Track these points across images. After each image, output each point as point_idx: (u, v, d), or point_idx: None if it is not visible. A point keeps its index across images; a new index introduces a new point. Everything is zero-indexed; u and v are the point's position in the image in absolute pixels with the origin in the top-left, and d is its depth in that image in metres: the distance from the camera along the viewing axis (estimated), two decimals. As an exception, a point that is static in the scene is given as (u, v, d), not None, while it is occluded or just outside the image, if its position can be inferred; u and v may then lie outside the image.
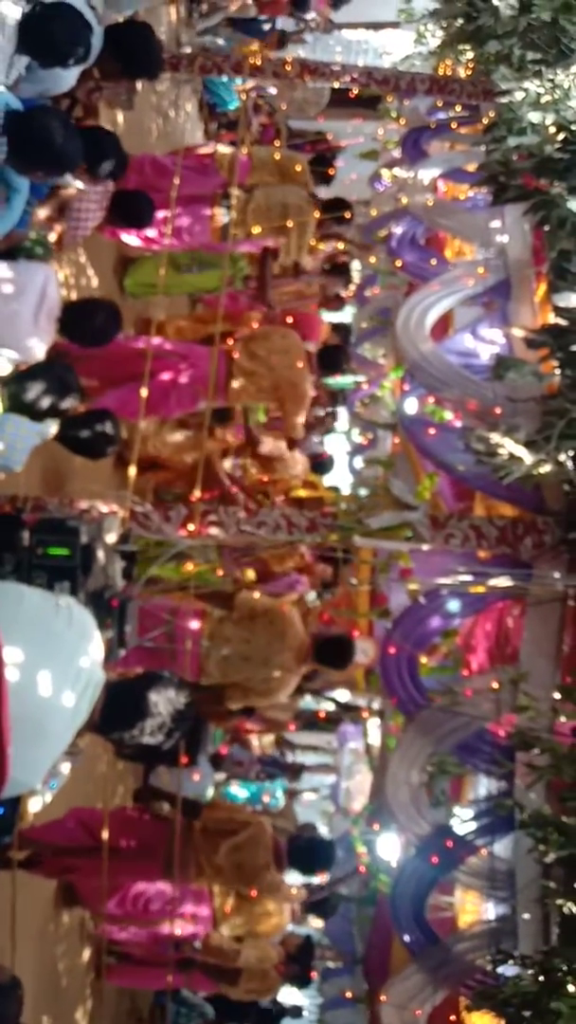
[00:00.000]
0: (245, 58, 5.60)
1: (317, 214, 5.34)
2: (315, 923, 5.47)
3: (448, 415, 4.01)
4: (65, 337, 3.45)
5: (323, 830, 9.14)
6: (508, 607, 3.61)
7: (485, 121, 4.67)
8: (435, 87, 5.21)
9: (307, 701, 7.53)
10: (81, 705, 1.95)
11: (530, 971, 2.63)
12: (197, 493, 3.62)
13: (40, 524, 2.97)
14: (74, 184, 3.51)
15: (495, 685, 3.22)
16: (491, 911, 3.27)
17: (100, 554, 3.02)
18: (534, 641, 3.28)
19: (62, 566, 2.87)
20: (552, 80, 3.78)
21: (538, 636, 3.28)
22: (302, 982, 5.15)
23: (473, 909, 3.65)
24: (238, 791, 8.09)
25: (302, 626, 4.32)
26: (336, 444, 8.25)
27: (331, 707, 7.51)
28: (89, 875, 4.08)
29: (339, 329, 7.15)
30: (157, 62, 3.80)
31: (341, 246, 5.77)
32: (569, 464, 3.10)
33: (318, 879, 5.09)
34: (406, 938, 3.25)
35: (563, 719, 3.03)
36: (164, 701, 1.97)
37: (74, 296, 4.70)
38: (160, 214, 4.61)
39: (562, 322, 3.35)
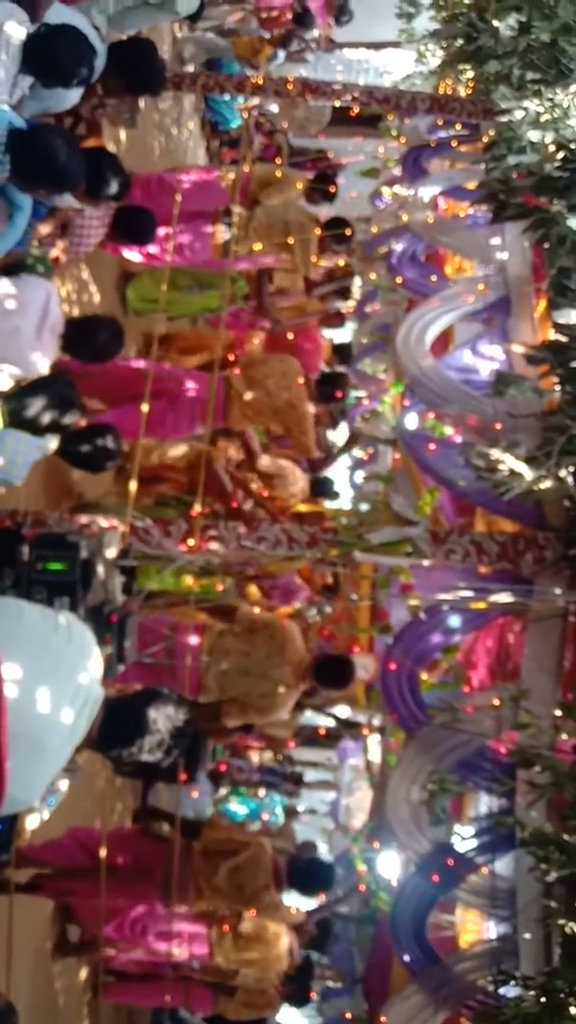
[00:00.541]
0: (247, 77, 5.66)
1: (318, 231, 5.38)
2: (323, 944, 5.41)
3: (448, 430, 4.02)
4: (68, 354, 3.46)
5: (323, 847, 9.08)
6: (509, 623, 3.59)
7: (485, 140, 4.70)
8: (435, 106, 5.26)
9: (307, 717, 7.50)
10: (80, 722, 1.94)
11: (532, 992, 2.60)
12: (198, 508, 3.62)
13: (40, 539, 2.98)
14: (74, 205, 3.54)
15: (496, 702, 3.20)
16: (492, 930, 3.24)
17: (100, 569, 3.02)
18: (535, 657, 3.27)
19: (62, 581, 2.87)
20: (551, 100, 3.82)
21: (539, 652, 3.27)
22: (300, 1002, 5.10)
23: (474, 928, 3.61)
24: (237, 808, 8.04)
25: (302, 642, 4.31)
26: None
27: (331, 723, 7.48)
28: (87, 896, 4.06)
29: (340, 350, 7.17)
30: (160, 78, 3.85)
31: (342, 262, 5.80)
32: (570, 480, 3.10)
33: (317, 900, 5.04)
34: (406, 958, 3.22)
35: (564, 736, 3.01)
36: (163, 718, 1.96)
37: (76, 312, 4.73)
38: (162, 231, 4.65)
39: (562, 338, 3.36)
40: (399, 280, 4.91)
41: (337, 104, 5.63)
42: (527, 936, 2.99)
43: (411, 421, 4.19)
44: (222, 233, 5.00)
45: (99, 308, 5.19)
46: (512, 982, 2.81)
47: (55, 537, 2.97)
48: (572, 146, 3.35)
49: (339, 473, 7.81)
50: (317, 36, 8.55)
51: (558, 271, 3.42)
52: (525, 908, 2.99)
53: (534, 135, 3.75)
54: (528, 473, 2.97)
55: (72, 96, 3.37)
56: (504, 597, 3.28)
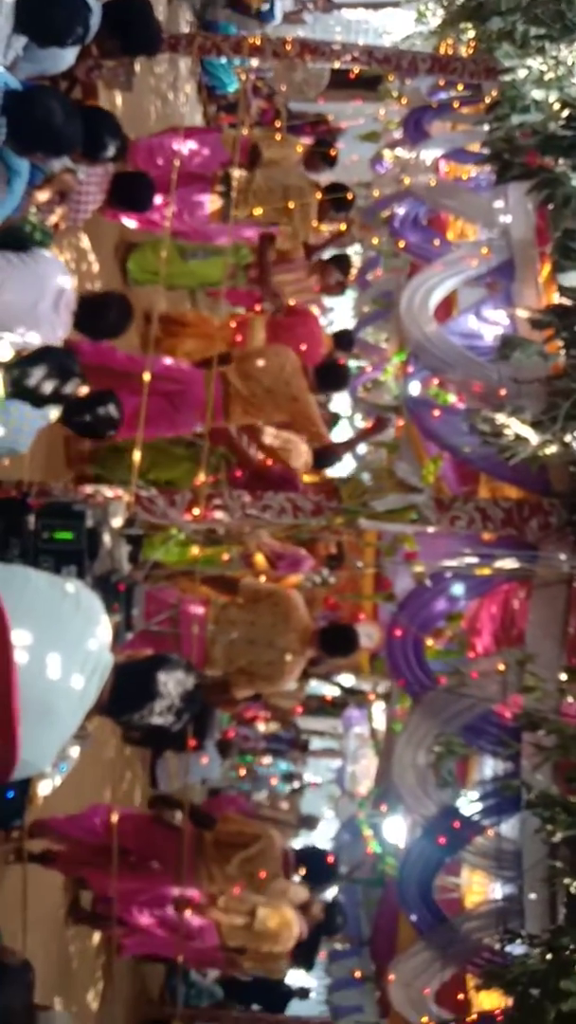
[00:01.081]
0: (245, 38, 5.54)
1: (318, 195, 5.30)
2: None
3: (452, 398, 4.00)
4: (79, 330, 3.45)
5: (329, 815, 9.19)
6: (514, 589, 3.60)
7: (488, 100, 4.61)
8: (437, 66, 5.15)
9: (312, 686, 7.55)
10: (89, 687, 1.95)
11: (537, 950, 2.64)
12: (202, 477, 3.61)
13: (46, 508, 2.97)
14: (71, 168, 3.49)
15: (501, 667, 3.22)
16: (498, 891, 3.29)
17: (106, 538, 3.02)
18: (540, 623, 3.28)
19: (68, 550, 2.88)
20: (556, 57, 3.74)
21: (544, 618, 3.28)
22: (308, 965, 5.19)
23: (480, 890, 3.66)
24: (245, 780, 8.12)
25: (306, 610, 4.33)
26: (340, 430, 8.22)
27: (336, 692, 7.54)
28: (101, 875, 4.14)
29: (341, 338, 7.04)
30: (156, 39, 3.77)
31: (343, 227, 5.72)
32: (575, 445, 3.08)
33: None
34: (413, 917, 3.27)
35: (570, 700, 3.03)
36: (173, 682, 1.97)
37: (75, 282, 4.67)
38: (160, 198, 4.57)
39: (567, 302, 3.32)
40: (401, 244, 4.84)
41: (336, 66, 5.51)
42: (532, 896, 3.04)
43: (415, 388, 4.16)
44: (220, 198, 4.90)
45: (98, 277, 5.14)
46: (518, 940, 2.86)
47: (61, 507, 2.97)
48: (577, 104, 3.29)
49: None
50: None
51: (563, 233, 3.37)
52: (531, 869, 3.03)
53: (538, 94, 3.67)
54: (533, 438, 2.95)
55: (68, 56, 3.30)
56: (509, 563, 3.28)
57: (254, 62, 6.98)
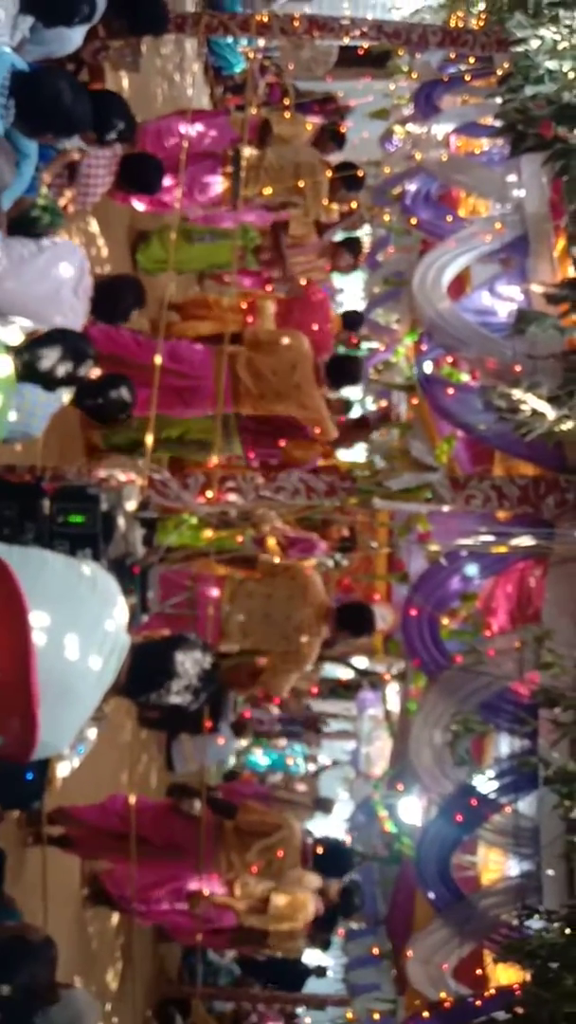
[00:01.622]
0: (252, 16, 5.47)
1: (329, 173, 5.25)
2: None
3: (465, 377, 3.96)
4: (94, 315, 3.47)
5: (344, 796, 9.23)
6: (529, 568, 3.58)
7: (499, 72, 4.54)
8: (447, 39, 5.07)
9: (327, 669, 7.56)
10: (107, 669, 1.95)
11: (556, 924, 2.65)
12: (215, 460, 3.60)
13: (60, 492, 2.98)
14: (79, 147, 3.48)
15: (517, 644, 3.21)
16: (515, 868, 3.30)
17: (120, 521, 3.02)
18: (557, 600, 3.27)
19: (83, 533, 2.88)
20: (570, 26, 3.66)
21: (561, 595, 3.26)
22: (324, 945, 5.23)
23: (496, 867, 3.68)
24: (260, 759, 8.18)
25: (323, 586, 4.33)
26: (351, 412, 8.18)
27: (351, 674, 7.55)
28: (119, 862, 4.19)
29: (349, 318, 6.96)
30: (163, 18, 3.74)
31: (354, 205, 5.66)
32: (591, 421, 3.05)
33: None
34: (431, 895, 3.28)
35: (587, 677, 3.02)
36: (191, 661, 1.98)
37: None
38: (169, 180, 4.54)
39: (582, 276, 3.28)
40: (413, 221, 4.79)
41: (346, 41, 5.42)
42: (550, 872, 3.05)
43: (428, 367, 4.13)
44: (229, 181, 4.86)
45: (108, 261, 5.12)
46: (536, 916, 2.87)
47: (75, 490, 2.97)
48: (592, 73, 3.23)
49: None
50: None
51: (578, 206, 3.33)
52: (549, 845, 3.03)
53: (552, 64, 3.60)
54: (550, 413, 2.92)
55: (75, 37, 3.28)
56: (525, 541, 3.26)
57: (260, 42, 6.89)
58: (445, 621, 3.68)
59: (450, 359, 3.93)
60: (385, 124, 7.04)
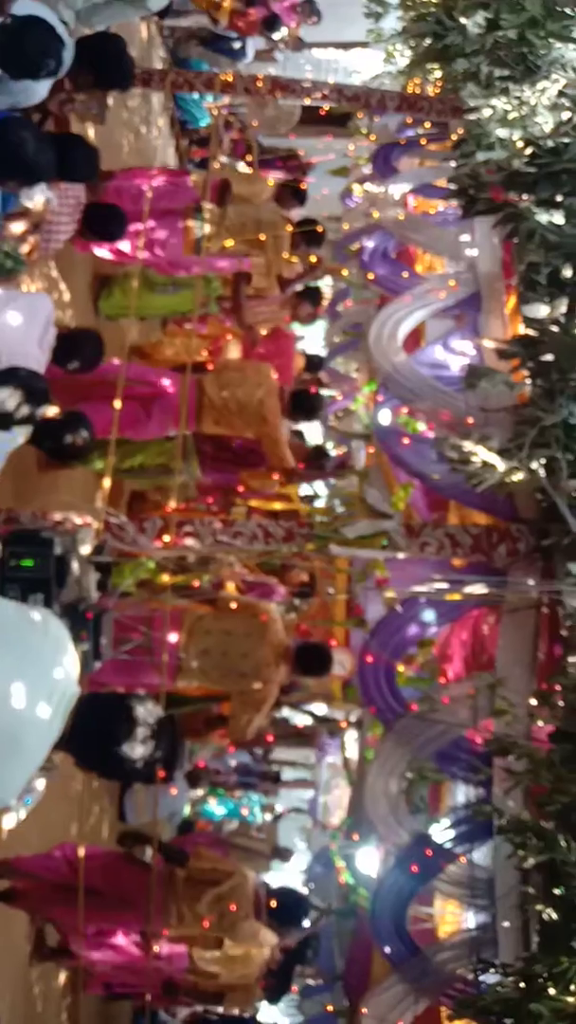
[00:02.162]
0: (216, 75, 5.65)
1: (289, 228, 5.39)
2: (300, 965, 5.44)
3: (421, 426, 4.05)
4: (55, 364, 3.50)
5: (301, 846, 9.07)
6: (483, 615, 3.63)
7: (454, 137, 4.74)
8: (404, 104, 5.30)
9: (284, 714, 7.49)
10: (56, 718, 1.92)
11: (511, 978, 2.62)
12: (172, 504, 3.60)
13: (12, 536, 2.95)
14: (44, 196, 3.52)
15: (471, 692, 3.23)
16: (471, 920, 3.26)
17: (74, 566, 3.00)
18: (510, 648, 3.30)
19: (35, 578, 2.85)
20: (519, 97, 3.86)
21: (513, 643, 3.30)
22: (278, 994, 5.09)
23: (453, 920, 3.64)
24: (216, 808, 8.01)
25: (282, 626, 4.33)
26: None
27: (308, 721, 7.49)
28: (68, 914, 4.05)
29: (311, 360, 7.13)
30: (129, 73, 3.84)
31: (314, 259, 5.81)
32: (541, 472, 3.14)
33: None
34: (387, 949, 3.23)
35: (540, 724, 3.04)
36: (144, 710, 1.97)
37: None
38: (133, 228, 4.61)
39: (532, 333, 3.40)
40: (371, 276, 4.93)
41: (307, 102, 5.64)
42: (506, 924, 3.02)
43: (384, 417, 4.21)
44: (195, 229, 4.96)
45: (69, 306, 5.15)
46: (492, 970, 2.84)
47: (28, 534, 2.94)
48: (540, 142, 3.39)
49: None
50: (285, 36, 8.56)
51: (527, 266, 3.46)
52: (503, 896, 3.01)
53: (502, 132, 3.78)
54: (500, 465, 3.00)
55: (40, 90, 3.35)
56: (478, 589, 3.31)
57: (226, 99, 7.11)
58: (401, 668, 3.69)
59: (406, 409, 4.02)
60: (345, 181, 7.28)
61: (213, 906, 4.20)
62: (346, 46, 9.29)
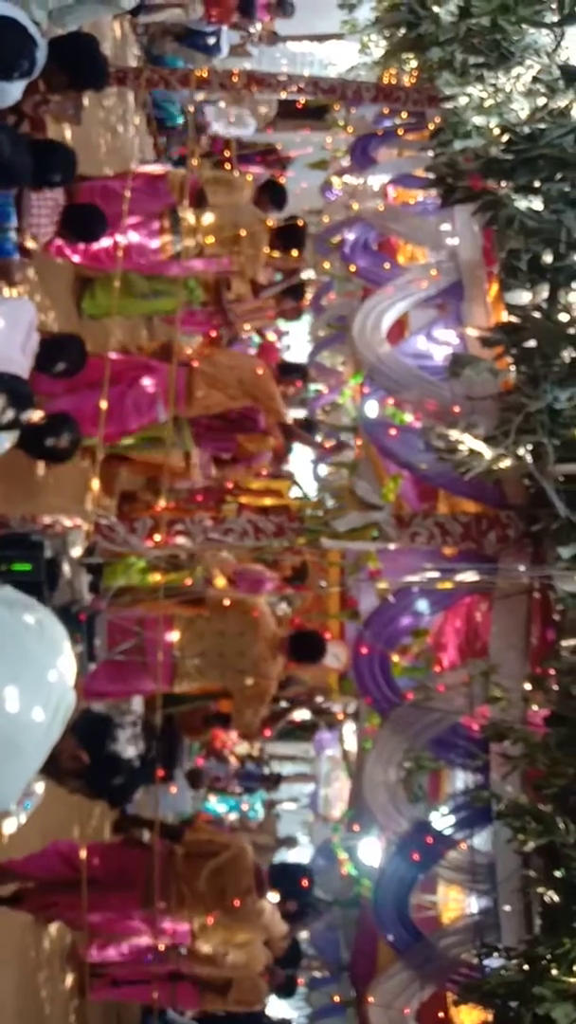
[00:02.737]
0: (191, 71, 5.63)
1: (270, 224, 5.38)
2: (301, 931, 5.46)
3: (408, 417, 4.06)
4: (38, 370, 3.49)
5: (303, 840, 9.11)
6: (475, 602, 3.64)
7: (431, 127, 4.74)
8: (381, 95, 5.29)
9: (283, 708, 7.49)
10: (54, 722, 1.93)
11: (514, 961, 2.64)
12: (162, 503, 3.60)
13: (3, 540, 2.94)
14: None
15: (466, 679, 3.24)
16: (474, 905, 3.29)
17: (66, 568, 3.00)
18: (502, 634, 3.32)
19: (27, 582, 2.85)
20: (494, 84, 3.87)
21: (506, 629, 3.32)
22: (288, 991, 5.11)
23: (456, 906, 3.66)
24: (217, 805, 8.03)
25: (274, 619, 4.35)
26: (301, 451, 8.27)
27: (306, 714, 7.51)
28: (70, 908, 4.03)
29: (286, 368, 7.17)
30: (103, 73, 3.82)
31: (295, 253, 5.80)
32: (528, 458, 3.15)
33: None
34: (390, 937, 3.25)
35: (535, 708, 3.06)
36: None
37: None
38: (108, 241, 4.60)
39: (515, 319, 3.41)
40: (352, 269, 4.93)
41: (283, 96, 5.62)
42: (507, 908, 3.04)
43: (371, 409, 4.22)
44: (170, 237, 4.95)
45: (51, 310, 5.13)
46: (495, 954, 2.86)
47: (18, 537, 2.94)
48: (516, 129, 3.40)
49: (303, 465, 7.83)
50: (260, 30, 8.53)
51: (508, 253, 3.46)
52: (504, 880, 3.03)
53: (479, 120, 3.80)
54: (487, 452, 3.01)
55: (14, 91, 3.33)
56: (470, 576, 3.32)
57: (201, 95, 7.08)
58: (396, 658, 3.70)
59: (392, 400, 4.03)
60: (324, 174, 7.27)
61: (212, 880, 4.13)
62: (321, 38, 9.27)
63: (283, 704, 6.27)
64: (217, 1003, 4.68)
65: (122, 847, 4.40)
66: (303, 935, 5.24)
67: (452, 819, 3.22)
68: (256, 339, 7.14)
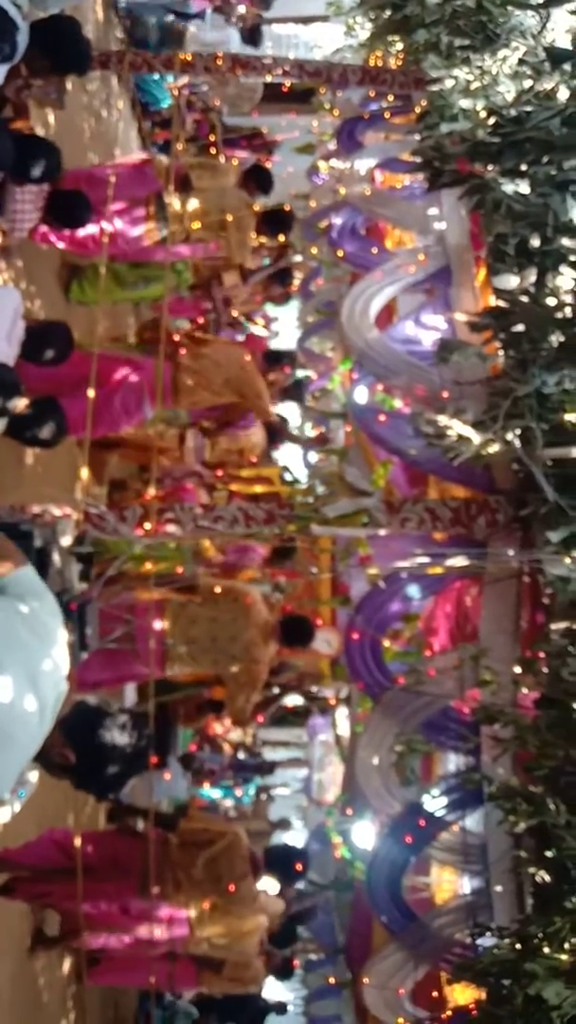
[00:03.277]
0: (176, 54, 5.57)
1: (256, 207, 5.35)
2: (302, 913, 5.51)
3: (397, 403, 4.06)
4: (24, 359, 3.46)
5: (297, 824, 9.18)
6: (466, 587, 3.66)
7: (417, 110, 4.71)
8: (367, 78, 5.25)
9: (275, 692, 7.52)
10: (47, 711, 1.92)
11: (507, 940, 2.68)
12: (152, 492, 3.59)
13: (-8, 530, 2.92)
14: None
15: (456, 663, 3.26)
16: (466, 886, 3.32)
17: (56, 558, 2.99)
18: (492, 618, 3.34)
19: (17, 572, 2.82)
20: (480, 67, 3.84)
21: (496, 613, 3.34)
22: (285, 973, 5.15)
23: (449, 887, 3.70)
24: (211, 791, 8.07)
25: (264, 605, 4.37)
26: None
27: (299, 700, 7.55)
28: (65, 898, 4.05)
29: (279, 357, 7.15)
30: (86, 57, 3.77)
31: (282, 237, 5.77)
32: (516, 443, 3.16)
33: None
34: (384, 918, 3.28)
35: (525, 691, 3.08)
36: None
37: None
38: (94, 227, 4.56)
39: (503, 304, 3.40)
40: (340, 253, 4.91)
41: (269, 79, 5.56)
42: (499, 888, 3.08)
43: (360, 395, 4.22)
44: (155, 228, 4.91)
45: (37, 297, 5.09)
46: (488, 933, 2.89)
47: (7, 527, 2.92)
48: (503, 112, 3.38)
49: (293, 453, 7.83)
50: (244, 12, 8.43)
51: (495, 237, 3.46)
52: (497, 861, 3.07)
53: (465, 103, 3.77)
54: (476, 437, 3.02)
55: (-5, 76, 3.29)
56: (460, 561, 3.33)
57: (185, 78, 7.01)
58: (387, 643, 3.72)
59: (382, 386, 4.03)
60: (311, 159, 7.22)
61: (208, 868, 4.15)
62: (306, 20, 9.19)
63: (275, 690, 6.31)
64: (214, 982, 4.71)
65: (116, 835, 4.41)
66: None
67: (444, 801, 3.25)
68: (246, 325, 7.09)
